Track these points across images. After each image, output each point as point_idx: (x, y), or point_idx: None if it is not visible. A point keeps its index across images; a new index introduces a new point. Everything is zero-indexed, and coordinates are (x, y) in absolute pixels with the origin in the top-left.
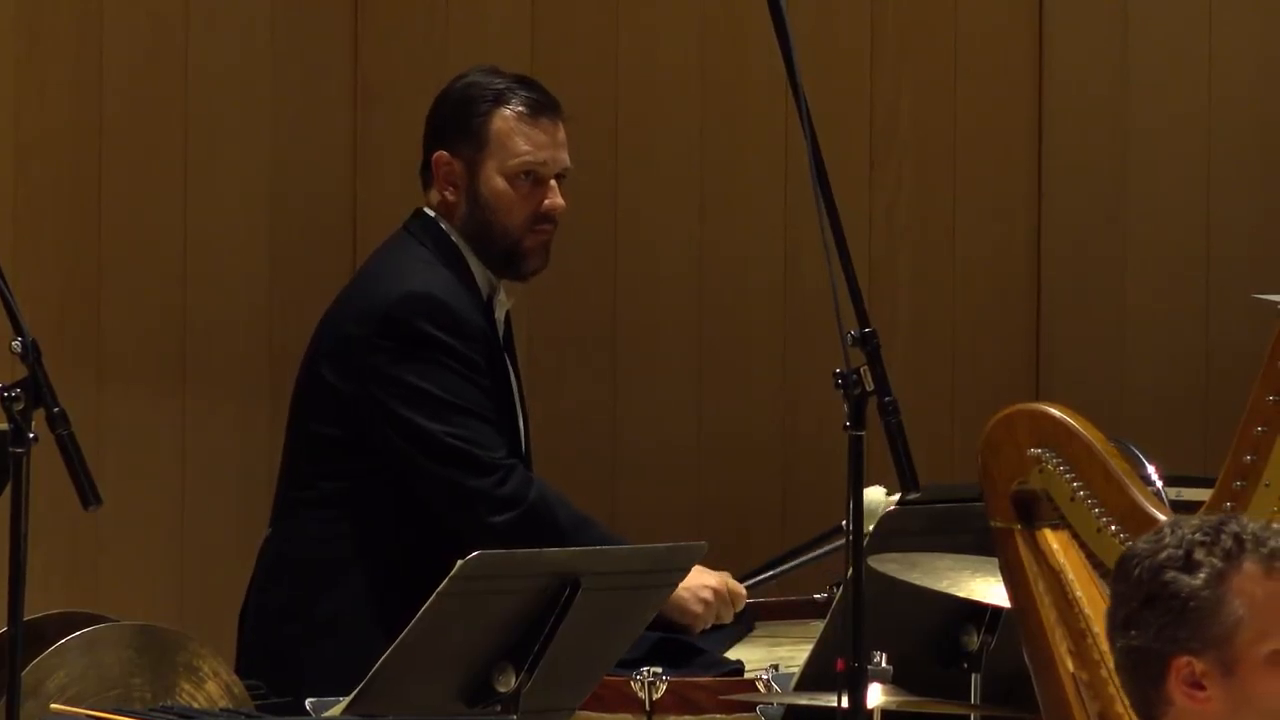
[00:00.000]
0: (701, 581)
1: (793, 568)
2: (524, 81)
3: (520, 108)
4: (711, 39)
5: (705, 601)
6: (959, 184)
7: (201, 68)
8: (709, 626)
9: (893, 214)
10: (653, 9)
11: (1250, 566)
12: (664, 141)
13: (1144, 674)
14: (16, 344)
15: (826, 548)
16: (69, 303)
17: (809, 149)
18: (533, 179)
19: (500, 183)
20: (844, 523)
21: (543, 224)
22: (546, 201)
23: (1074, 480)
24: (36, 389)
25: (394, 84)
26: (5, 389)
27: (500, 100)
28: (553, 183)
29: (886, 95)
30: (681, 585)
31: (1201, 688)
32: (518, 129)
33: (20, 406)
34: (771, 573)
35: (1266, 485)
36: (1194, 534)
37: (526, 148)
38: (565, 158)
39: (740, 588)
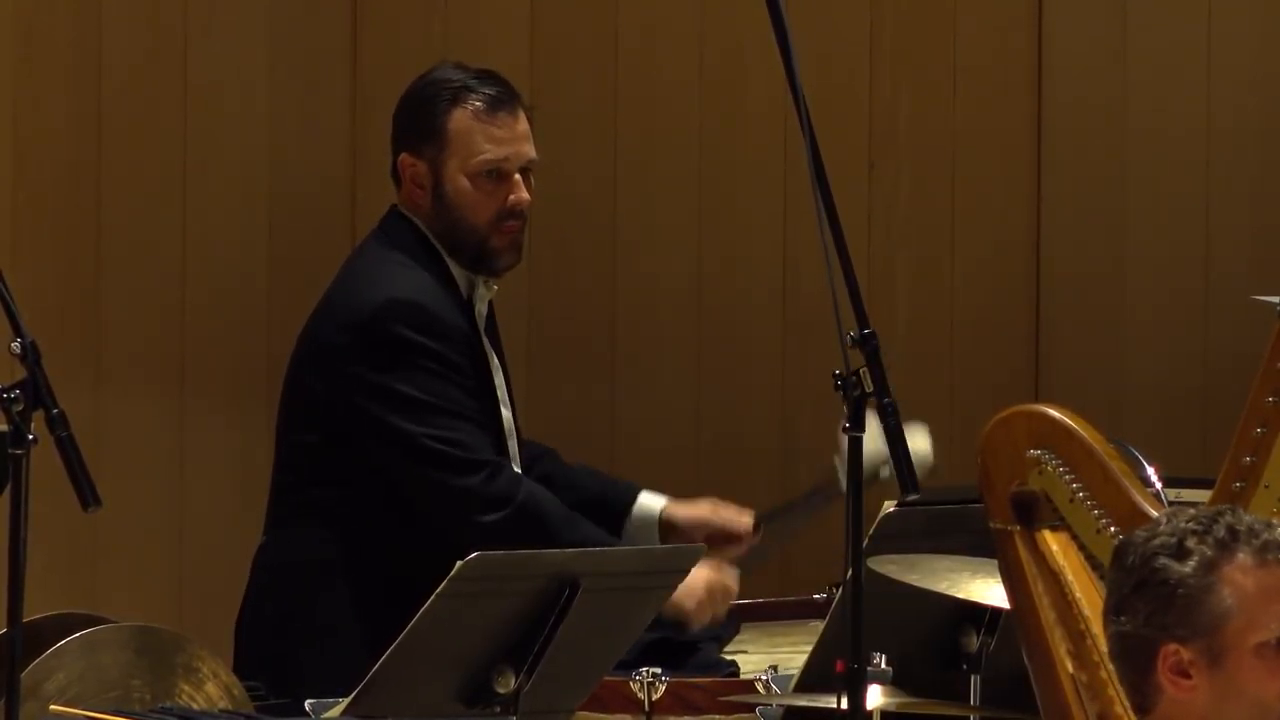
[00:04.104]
0: (694, 578)
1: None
2: (483, 76)
3: (478, 104)
4: (711, 39)
5: (699, 600)
6: (958, 184)
7: (200, 68)
8: (703, 626)
9: (892, 214)
10: (652, 10)
11: (1243, 557)
12: (664, 142)
13: (1134, 661)
14: (16, 345)
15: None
16: (68, 304)
17: (808, 150)
18: (496, 175)
19: (464, 182)
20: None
21: (509, 220)
22: (511, 197)
23: (1073, 481)
24: (36, 390)
25: (393, 85)
26: (5, 390)
27: (457, 99)
28: (517, 177)
29: (885, 96)
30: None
31: (1188, 676)
32: (476, 127)
33: (20, 408)
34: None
35: (1266, 487)
36: (1188, 523)
37: (487, 146)
38: (529, 150)
39: (732, 582)
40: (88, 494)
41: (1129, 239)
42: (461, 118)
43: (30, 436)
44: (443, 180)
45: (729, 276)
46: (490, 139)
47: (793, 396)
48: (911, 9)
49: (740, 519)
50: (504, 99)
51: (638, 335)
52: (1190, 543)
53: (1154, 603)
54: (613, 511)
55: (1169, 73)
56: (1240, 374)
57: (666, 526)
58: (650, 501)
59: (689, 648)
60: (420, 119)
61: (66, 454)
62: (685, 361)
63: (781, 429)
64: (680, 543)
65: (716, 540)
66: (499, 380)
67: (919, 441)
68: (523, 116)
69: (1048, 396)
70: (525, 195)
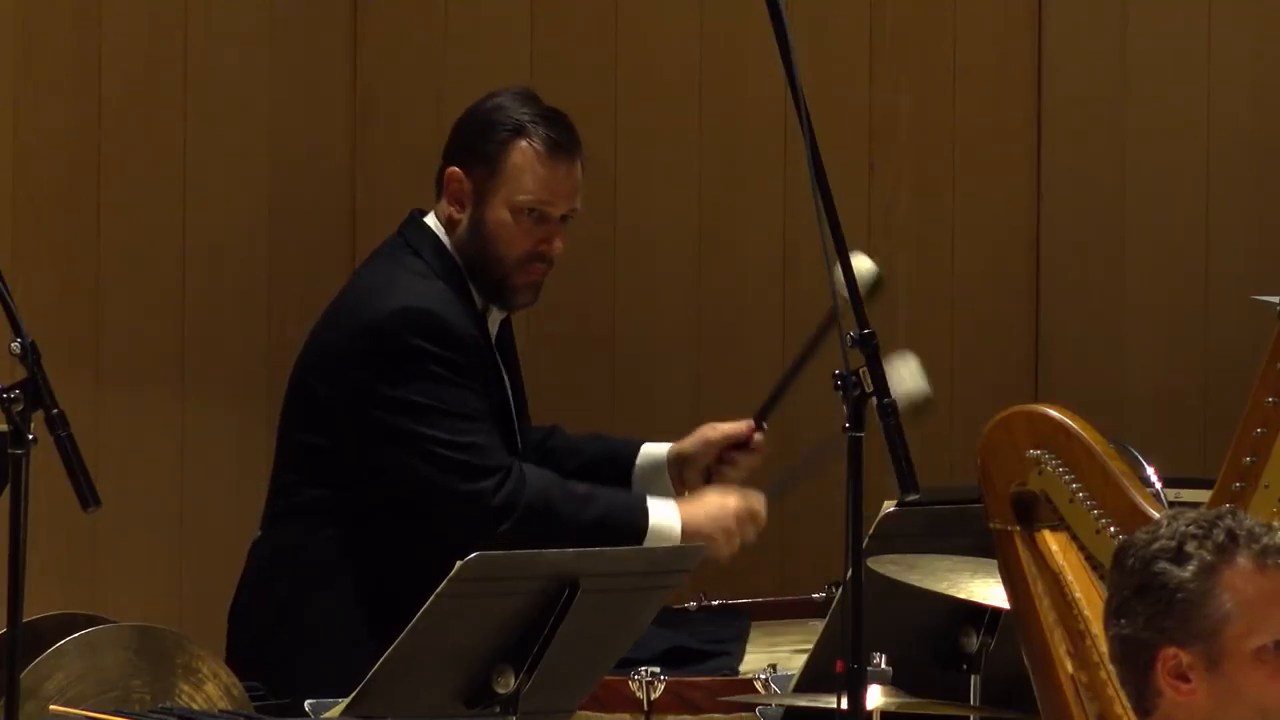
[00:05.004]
0: (721, 511)
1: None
2: (550, 117)
3: (538, 145)
4: (711, 40)
5: (729, 531)
6: (958, 185)
7: (201, 69)
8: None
9: (892, 215)
10: (652, 11)
11: (1243, 562)
12: (664, 143)
13: (1133, 664)
14: (15, 345)
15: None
16: (68, 304)
17: (808, 150)
18: (537, 217)
19: (505, 214)
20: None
21: (537, 263)
22: (547, 244)
23: (1073, 482)
24: (35, 390)
25: (393, 87)
26: (4, 390)
27: (520, 132)
28: (557, 224)
29: (885, 96)
30: (705, 517)
31: (1186, 680)
32: (531, 166)
33: (19, 408)
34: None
35: (1266, 487)
36: (1188, 526)
37: (536, 186)
38: (576, 201)
39: (759, 505)
40: (87, 494)
41: (1129, 239)
42: (520, 152)
43: (30, 436)
44: (484, 205)
45: (728, 277)
46: (541, 181)
47: (792, 397)
48: (911, 9)
49: (739, 425)
50: (565, 146)
51: (637, 335)
52: (1190, 547)
53: (1153, 606)
54: (619, 465)
55: (1169, 72)
56: (1240, 374)
57: (675, 460)
58: (654, 448)
59: (703, 655)
60: (480, 140)
61: (66, 454)
62: (684, 361)
63: (781, 429)
64: (692, 472)
65: (729, 453)
66: (510, 393)
67: (906, 372)
68: (579, 167)
69: (1048, 396)
70: (559, 245)
